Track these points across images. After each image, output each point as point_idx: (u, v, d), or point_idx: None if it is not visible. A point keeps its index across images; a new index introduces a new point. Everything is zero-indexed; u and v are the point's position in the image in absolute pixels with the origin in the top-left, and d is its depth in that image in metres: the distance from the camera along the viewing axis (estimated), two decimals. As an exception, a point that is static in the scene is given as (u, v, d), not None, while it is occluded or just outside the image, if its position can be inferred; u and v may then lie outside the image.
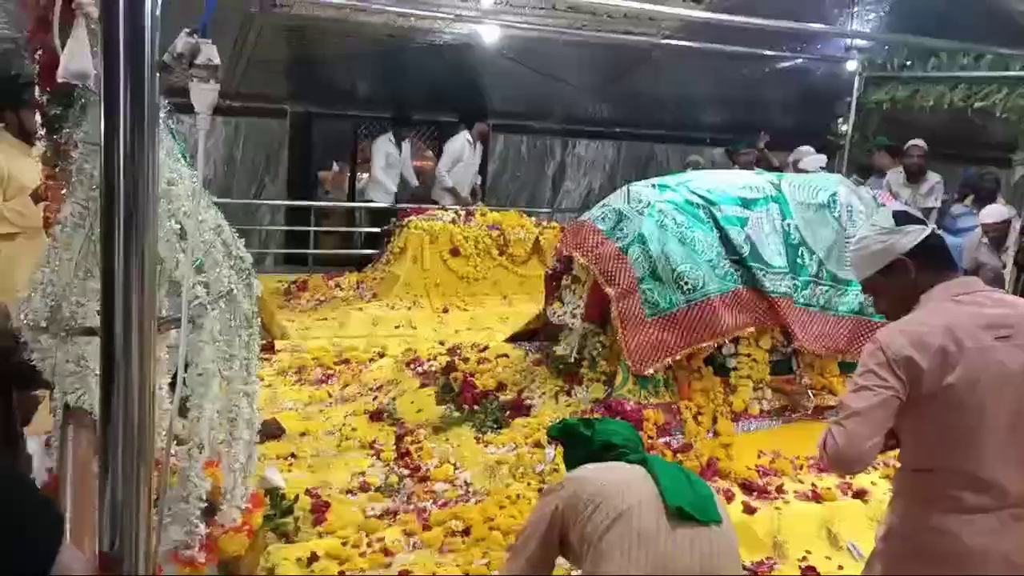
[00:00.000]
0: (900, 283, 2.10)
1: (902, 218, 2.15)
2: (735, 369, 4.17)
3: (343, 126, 10.02)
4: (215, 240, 1.89)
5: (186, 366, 1.79)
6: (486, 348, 5.11)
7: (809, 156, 8.07)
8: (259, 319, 2.10)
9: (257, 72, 8.48)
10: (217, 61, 1.55)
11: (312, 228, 8.59)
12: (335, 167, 10.75)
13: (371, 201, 8.70)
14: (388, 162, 8.52)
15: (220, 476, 1.88)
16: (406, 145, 8.82)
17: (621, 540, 1.82)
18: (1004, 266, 6.19)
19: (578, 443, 2.20)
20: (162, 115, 1.68)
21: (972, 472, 1.93)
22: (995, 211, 6.39)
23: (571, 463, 2.22)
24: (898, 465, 2.13)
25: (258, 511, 2.09)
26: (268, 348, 5.71)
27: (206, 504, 1.88)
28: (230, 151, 8.90)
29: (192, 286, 1.77)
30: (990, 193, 7.21)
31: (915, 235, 2.09)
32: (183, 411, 1.85)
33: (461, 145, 8.61)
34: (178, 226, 1.78)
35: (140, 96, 1.11)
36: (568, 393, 4.23)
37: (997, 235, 6.34)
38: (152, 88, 1.12)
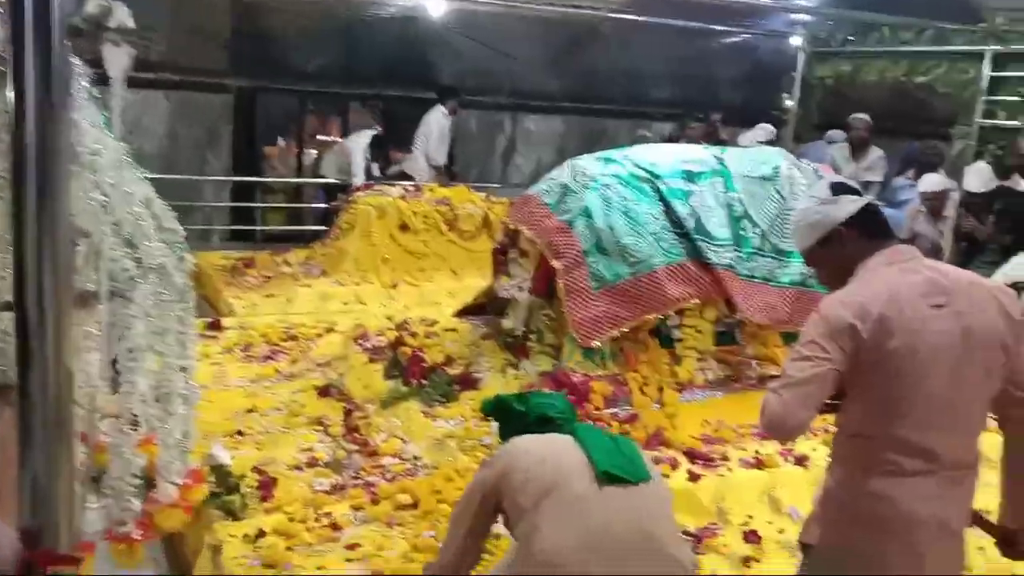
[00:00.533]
0: (839, 253, 2.13)
1: (839, 189, 2.18)
2: (680, 340, 4.22)
3: (289, 101, 9.84)
4: (144, 213, 1.84)
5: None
6: (435, 323, 5.10)
7: (751, 132, 8.17)
8: (194, 294, 2.07)
9: (198, 44, 8.28)
10: (131, 24, 1.49)
11: (259, 204, 8.46)
12: (281, 142, 10.58)
13: (327, 178, 8.52)
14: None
15: (155, 452, 1.86)
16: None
17: (554, 508, 1.84)
18: (942, 235, 6.36)
19: (513, 418, 2.21)
20: (85, 84, 1.62)
21: (908, 438, 1.97)
22: (934, 181, 6.53)
23: (505, 436, 2.23)
24: (836, 431, 2.17)
25: (197, 487, 2.07)
26: (214, 326, 5.64)
27: (141, 481, 1.85)
28: (172, 126, 8.69)
29: (120, 259, 1.73)
30: (932, 167, 7.36)
31: (852, 205, 2.13)
32: (116, 386, 1.82)
33: (438, 120, 8.52)
34: (104, 198, 1.73)
35: (49, 62, 1.06)
36: (515, 366, 4.25)
37: (935, 205, 6.49)
38: (62, 53, 1.07)
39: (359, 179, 7.96)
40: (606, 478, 1.91)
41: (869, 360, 1.95)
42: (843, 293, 2.03)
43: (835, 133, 8.27)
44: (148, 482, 1.90)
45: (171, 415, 1.91)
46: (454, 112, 8.70)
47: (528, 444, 2.07)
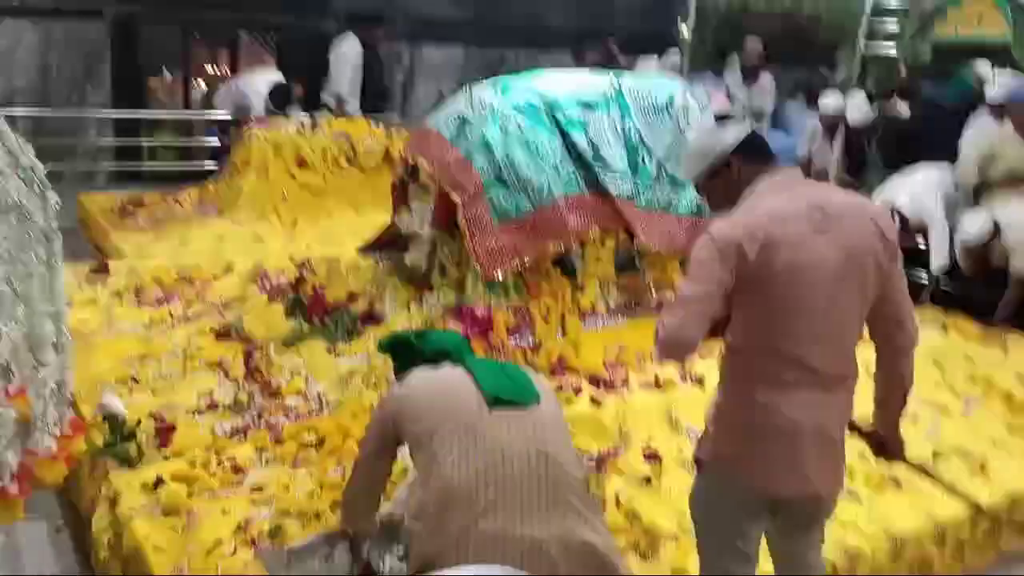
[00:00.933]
0: (727, 180, 2.18)
1: (723, 118, 2.22)
2: (582, 270, 4.25)
3: (172, 29, 9.29)
4: (-8, 148, 1.69)
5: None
6: (336, 260, 5.00)
7: (651, 60, 8.20)
8: (60, 235, 1.93)
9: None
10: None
11: (145, 142, 8.01)
12: (166, 75, 10.01)
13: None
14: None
15: (28, 403, 1.75)
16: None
17: (450, 435, 1.87)
18: (833, 152, 6.59)
19: (409, 355, 2.21)
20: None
21: (790, 352, 2.06)
22: (832, 99, 6.74)
23: (402, 372, 2.22)
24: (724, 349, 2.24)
25: (79, 437, 1.97)
26: (102, 269, 5.38)
27: (13, 433, 1.74)
28: (43, 58, 8.08)
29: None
30: (819, 92, 7.59)
31: (736, 132, 2.18)
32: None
33: (354, 51, 7.92)
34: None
35: None
36: (419, 301, 4.21)
37: (832, 124, 6.70)
38: None
39: (256, 114, 7.63)
40: (495, 403, 1.95)
41: (755, 279, 2.01)
42: (733, 217, 2.08)
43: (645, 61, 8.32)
44: (25, 434, 1.80)
45: (44, 364, 1.80)
46: (374, 42, 8.12)
47: (421, 377, 2.09)
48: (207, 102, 9.80)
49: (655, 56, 8.16)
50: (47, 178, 1.85)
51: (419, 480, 1.94)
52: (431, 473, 1.86)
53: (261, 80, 7.88)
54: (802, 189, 2.13)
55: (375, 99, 8.37)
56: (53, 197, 1.86)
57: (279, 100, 7.84)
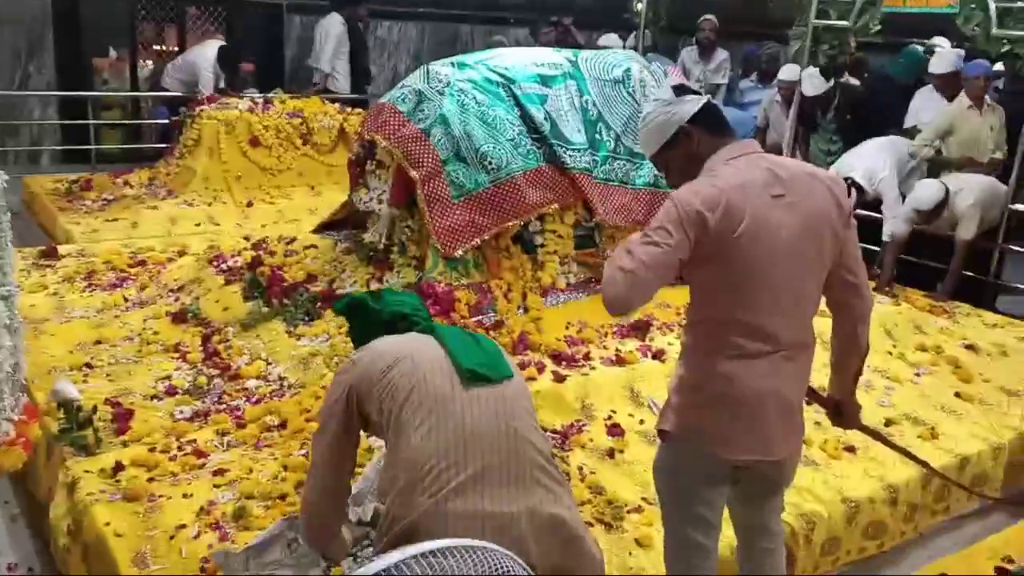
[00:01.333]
0: (685, 151, 2.18)
1: (680, 90, 2.21)
2: (542, 246, 4.25)
3: (118, 6, 9.01)
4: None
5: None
6: (293, 240, 4.93)
7: (611, 37, 8.19)
8: (8, 211, 1.86)
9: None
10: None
11: (91, 122, 7.78)
12: (112, 53, 9.72)
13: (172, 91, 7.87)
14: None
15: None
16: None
17: (420, 408, 1.81)
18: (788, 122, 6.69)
19: (368, 318, 2.08)
20: None
21: (750, 321, 2.08)
22: (790, 71, 6.81)
23: (360, 338, 2.11)
24: (685, 321, 2.26)
25: (34, 422, 1.92)
26: (50, 254, 5.24)
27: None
28: (-17, 36, 7.82)
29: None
30: (772, 68, 7.67)
31: (693, 104, 2.17)
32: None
33: (338, 30, 8.02)
34: None
35: None
36: (379, 280, 4.18)
37: (789, 94, 6.79)
38: None
39: (207, 92, 7.46)
40: (471, 377, 1.87)
41: (715, 248, 2.03)
42: (693, 184, 2.08)
43: (609, 38, 8.33)
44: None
45: (-2, 347, 1.74)
46: (357, 19, 8.19)
47: (386, 345, 1.97)
48: (155, 81, 9.56)
49: (615, 35, 8.14)
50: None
51: (386, 456, 1.89)
52: (400, 448, 1.81)
53: (209, 49, 7.69)
54: (758, 159, 2.14)
55: (361, 77, 8.36)
56: (1, 173, 1.80)
57: (228, 64, 7.69)
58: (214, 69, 7.60)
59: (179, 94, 7.70)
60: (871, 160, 5.49)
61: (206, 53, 7.67)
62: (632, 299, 2.00)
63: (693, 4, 8.26)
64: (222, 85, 7.71)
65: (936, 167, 5.72)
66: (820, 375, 2.41)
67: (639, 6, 8.38)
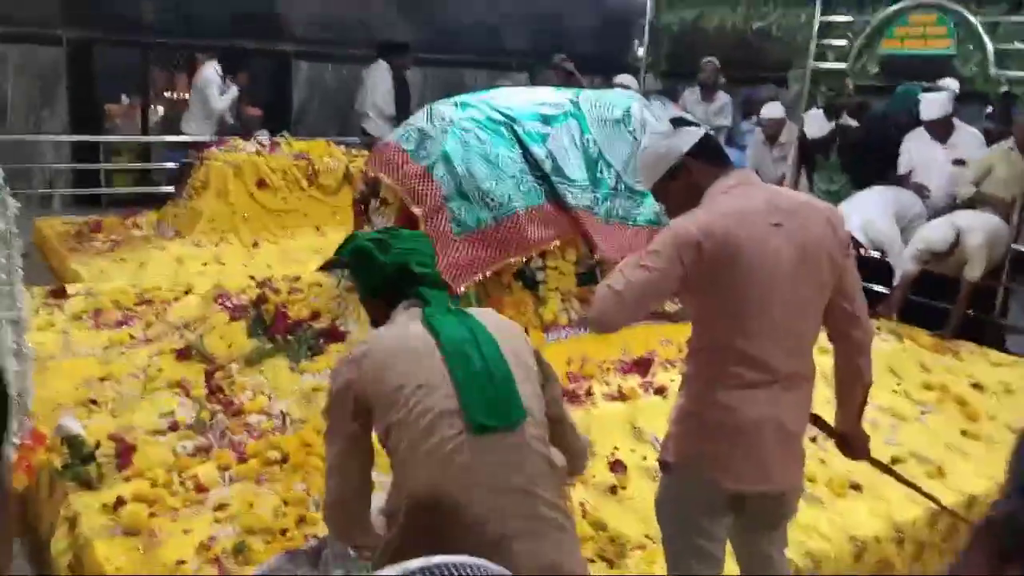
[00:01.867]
0: (684, 183, 2.19)
1: (679, 123, 2.24)
2: (543, 282, 4.25)
3: (130, 54, 9.20)
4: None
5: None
6: (298, 278, 4.95)
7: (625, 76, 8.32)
8: (19, 239, 1.88)
9: (23, -8, 7.59)
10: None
11: (102, 166, 7.89)
12: (124, 99, 9.91)
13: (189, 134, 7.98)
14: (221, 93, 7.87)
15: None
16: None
17: (422, 447, 1.71)
18: (784, 160, 6.74)
19: (372, 269, 1.93)
20: None
21: (748, 350, 2.07)
22: (773, 109, 6.88)
23: (364, 289, 2.00)
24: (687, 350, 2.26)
25: (39, 447, 1.91)
26: (59, 293, 5.27)
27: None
28: (-1, 84, 7.97)
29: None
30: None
31: (692, 136, 2.20)
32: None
33: (385, 76, 8.31)
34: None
35: None
36: (383, 316, 4.18)
37: (773, 132, 6.85)
38: None
39: (217, 104, 7.55)
40: (479, 430, 1.73)
41: (713, 276, 2.03)
42: (692, 214, 2.10)
43: (624, 77, 8.48)
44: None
45: (4, 372, 1.74)
46: (403, 68, 8.47)
47: (390, 355, 1.80)
48: (166, 126, 9.70)
49: (630, 76, 8.25)
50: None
51: (393, 487, 1.79)
52: (404, 484, 1.73)
53: (207, 69, 7.77)
54: (756, 190, 2.16)
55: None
56: (12, 202, 1.82)
57: (230, 69, 7.77)
58: (219, 84, 7.69)
59: (196, 138, 7.78)
60: (868, 213, 5.50)
61: (205, 73, 7.77)
62: (614, 318, 2.04)
63: (692, 48, 8.38)
64: (230, 120, 7.78)
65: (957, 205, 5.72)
66: (826, 412, 2.40)
67: (640, 51, 8.52)
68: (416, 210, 4.02)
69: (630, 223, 4.42)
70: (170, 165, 8.19)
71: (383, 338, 1.87)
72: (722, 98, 8.04)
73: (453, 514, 1.70)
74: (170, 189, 7.72)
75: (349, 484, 1.83)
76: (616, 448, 3.52)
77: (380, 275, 1.93)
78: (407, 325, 1.88)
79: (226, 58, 7.68)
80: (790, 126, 6.98)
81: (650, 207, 4.40)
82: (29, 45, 8.02)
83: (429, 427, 1.73)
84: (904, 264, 5.33)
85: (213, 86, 7.63)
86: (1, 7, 7.58)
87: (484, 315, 1.95)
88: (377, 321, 2.01)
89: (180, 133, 8.00)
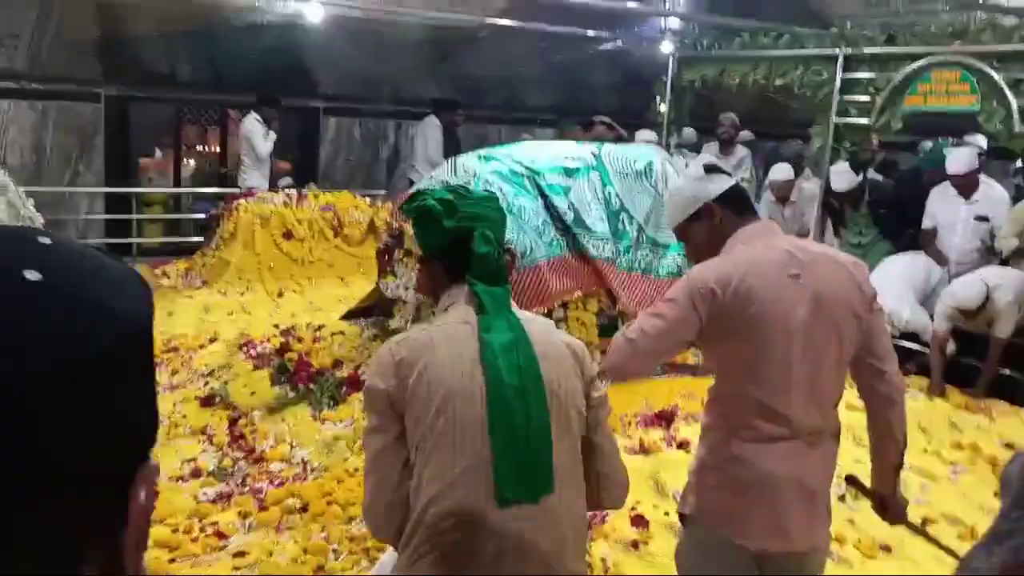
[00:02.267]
0: (708, 227, 2.21)
1: (712, 169, 2.27)
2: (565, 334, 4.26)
3: (164, 110, 9.47)
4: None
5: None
6: (321, 327, 5.00)
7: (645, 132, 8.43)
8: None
9: (65, 51, 7.85)
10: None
11: (135, 216, 8.06)
12: (158, 153, 10.16)
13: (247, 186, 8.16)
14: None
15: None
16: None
17: (448, 526, 1.67)
18: (800, 218, 6.75)
19: (433, 229, 1.82)
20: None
21: (765, 403, 2.04)
22: (781, 169, 6.91)
23: (425, 246, 1.88)
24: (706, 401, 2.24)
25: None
26: (87, 341, 5.33)
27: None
28: (38, 137, 8.19)
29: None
30: (794, 165, 7.75)
31: (721, 184, 2.22)
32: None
33: (436, 131, 8.68)
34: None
35: None
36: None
37: (783, 194, 6.86)
38: None
39: (262, 148, 7.72)
40: (504, 502, 1.67)
41: (729, 326, 2.02)
42: (710, 263, 2.11)
43: (688, 134, 8.66)
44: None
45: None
46: (453, 124, 8.80)
47: (423, 372, 1.71)
48: (197, 179, 9.92)
49: (651, 131, 8.35)
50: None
51: (410, 529, 1.72)
52: (418, 499, 1.69)
53: (248, 121, 7.90)
54: (777, 240, 2.17)
55: None
56: (38, 215, 1.88)
57: (268, 105, 7.87)
58: (263, 131, 7.85)
59: (233, 190, 7.93)
60: (894, 301, 5.44)
61: (246, 124, 7.93)
62: (628, 367, 2.04)
63: (713, 104, 8.47)
64: (274, 138, 7.93)
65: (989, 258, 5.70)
66: (858, 472, 2.34)
67: (662, 107, 8.62)
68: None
69: (652, 275, 4.44)
70: (199, 216, 8.34)
71: (425, 346, 1.73)
72: (740, 152, 8.09)
73: (468, 555, 1.68)
74: (199, 239, 7.85)
75: (386, 483, 1.74)
76: (638, 503, 3.47)
77: (441, 238, 1.80)
78: (456, 338, 1.75)
79: (263, 101, 7.87)
80: (800, 186, 7.00)
81: (672, 259, 4.42)
82: (70, 102, 8.28)
83: (454, 482, 1.68)
84: (936, 323, 5.27)
85: (257, 135, 7.81)
86: (44, 67, 7.85)
87: (536, 331, 1.81)
88: (431, 289, 1.89)
89: (212, 185, 8.16)
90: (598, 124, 8.61)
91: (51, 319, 0.52)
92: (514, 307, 1.83)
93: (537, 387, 1.74)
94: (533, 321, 1.87)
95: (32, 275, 0.52)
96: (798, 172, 7.33)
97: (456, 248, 1.79)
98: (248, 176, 7.96)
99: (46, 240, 0.56)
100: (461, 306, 1.80)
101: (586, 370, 1.85)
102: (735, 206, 2.21)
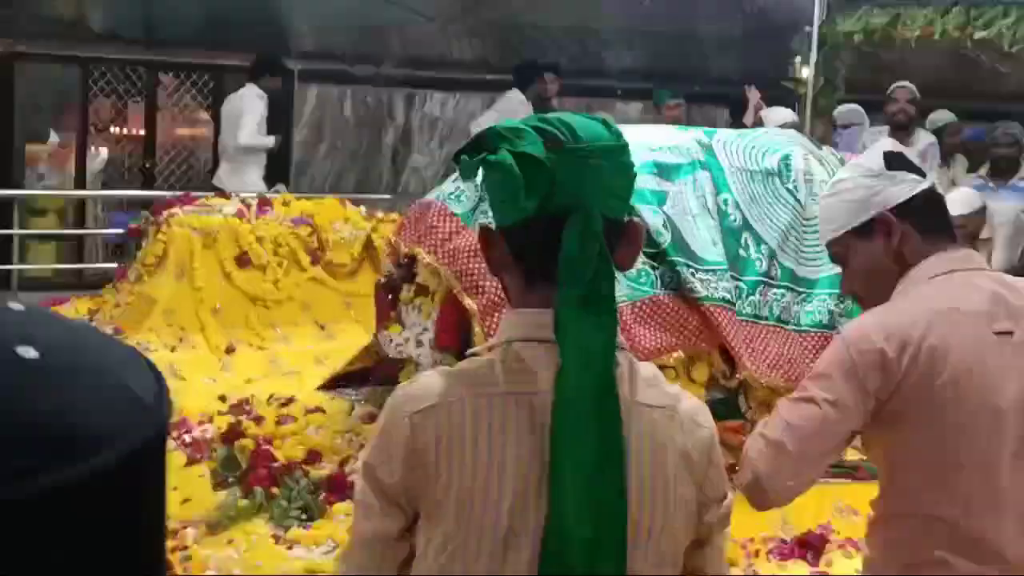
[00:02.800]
0: (881, 249, 2.21)
1: (895, 162, 2.24)
2: (659, 413, 4.23)
3: (65, 73, 9.69)
4: None
5: None
6: (290, 401, 5.02)
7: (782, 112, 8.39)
8: None
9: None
10: None
11: (16, 231, 8.22)
12: (54, 138, 10.36)
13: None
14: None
15: None
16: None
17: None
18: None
19: (510, 201, 1.69)
20: None
21: (959, 522, 2.04)
22: (964, 198, 6.75)
23: (498, 218, 1.83)
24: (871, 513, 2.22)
25: None
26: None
27: None
28: None
29: None
30: (1011, 159, 7.59)
31: (909, 186, 2.20)
32: None
33: (518, 109, 8.66)
34: None
35: None
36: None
37: (969, 231, 6.72)
38: None
39: (246, 140, 7.87)
40: None
41: (906, 407, 2.03)
42: (879, 313, 2.12)
43: (851, 112, 8.56)
44: None
45: None
46: (544, 98, 9.00)
47: (463, 434, 1.69)
48: (209, 176, 9.97)
49: (787, 109, 8.29)
50: None
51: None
52: None
53: (254, 97, 8.14)
54: (981, 278, 2.15)
55: None
56: None
57: (268, 65, 8.20)
58: (264, 111, 8.01)
59: (162, 193, 8.09)
60: None
61: (245, 101, 8.18)
62: (778, 484, 2.02)
63: (881, 69, 8.43)
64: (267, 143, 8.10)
65: None
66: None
67: (804, 72, 8.61)
68: (470, 303, 4.06)
69: (791, 326, 4.39)
70: (112, 232, 8.47)
71: (458, 400, 1.70)
72: (924, 139, 8.00)
73: None
74: (111, 266, 7.97)
75: None
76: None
77: (523, 215, 1.70)
78: (519, 382, 1.71)
79: (263, 67, 8.08)
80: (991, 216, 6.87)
81: (822, 302, 4.38)
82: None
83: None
84: None
85: (250, 115, 7.99)
86: None
87: (642, 391, 1.75)
88: (504, 292, 1.89)
89: (133, 186, 8.31)
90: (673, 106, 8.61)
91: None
92: (621, 344, 1.73)
93: (616, 472, 1.67)
94: (637, 376, 1.77)
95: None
96: (1012, 172, 7.21)
97: (543, 248, 1.69)
98: (232, 177, 8.10)
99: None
100: (528, 350, 1.72)
101: (703, 457, 1.74)
102: (925, 221, 2.20)
